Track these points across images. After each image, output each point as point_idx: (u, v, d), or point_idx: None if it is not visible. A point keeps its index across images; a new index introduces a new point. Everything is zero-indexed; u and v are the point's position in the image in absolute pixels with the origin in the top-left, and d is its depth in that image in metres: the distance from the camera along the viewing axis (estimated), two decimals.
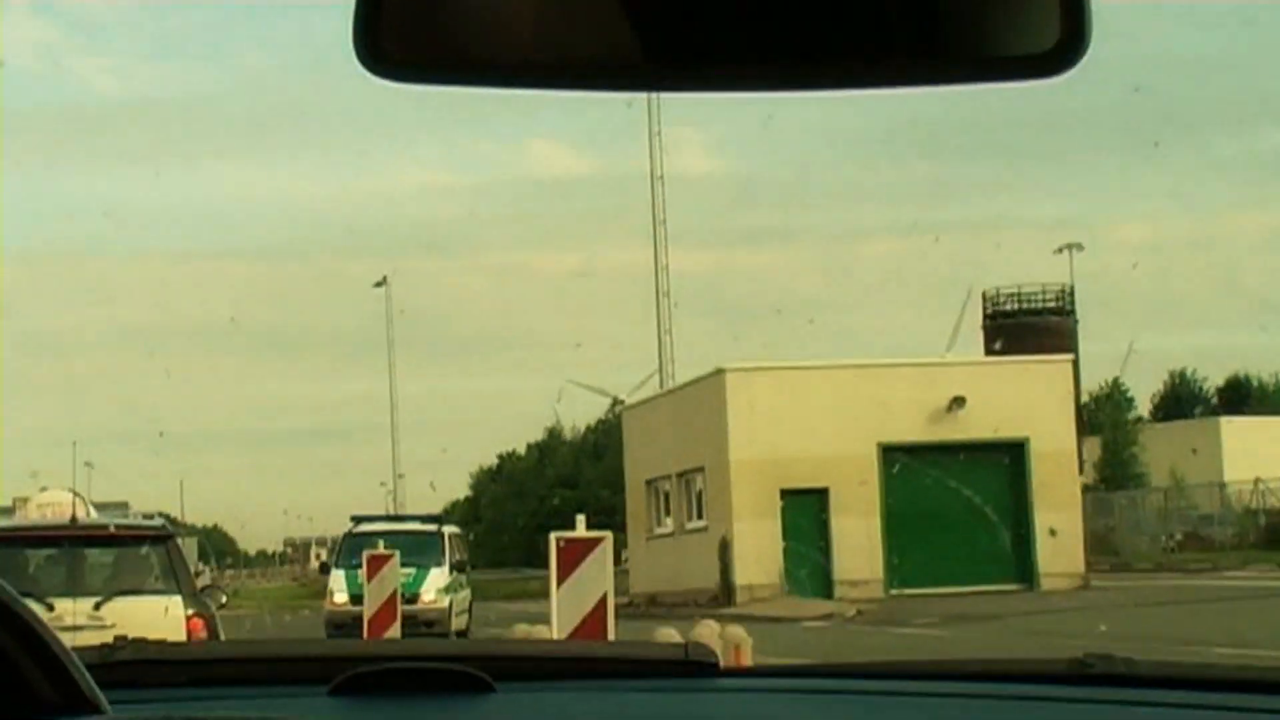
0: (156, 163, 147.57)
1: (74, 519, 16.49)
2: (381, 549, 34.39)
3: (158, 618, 15.05)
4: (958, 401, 45.85)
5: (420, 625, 33.27)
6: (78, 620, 15.10)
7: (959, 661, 3.29)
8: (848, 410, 45.48)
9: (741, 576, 45.61)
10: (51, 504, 21.13)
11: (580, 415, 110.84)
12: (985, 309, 75.98)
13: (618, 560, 64.37)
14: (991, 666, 3.06)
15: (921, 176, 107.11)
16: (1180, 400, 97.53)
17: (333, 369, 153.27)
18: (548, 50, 1.71)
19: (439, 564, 35.12)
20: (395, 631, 18.79)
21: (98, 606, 15.50)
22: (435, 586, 34.78)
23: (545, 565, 12.28)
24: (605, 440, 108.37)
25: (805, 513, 45.87)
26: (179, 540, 17.20)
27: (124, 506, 55.92)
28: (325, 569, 37.13)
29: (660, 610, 47.20)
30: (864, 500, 45.51)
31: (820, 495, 45.87)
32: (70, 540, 16.16)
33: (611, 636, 11.54)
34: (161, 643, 3.21)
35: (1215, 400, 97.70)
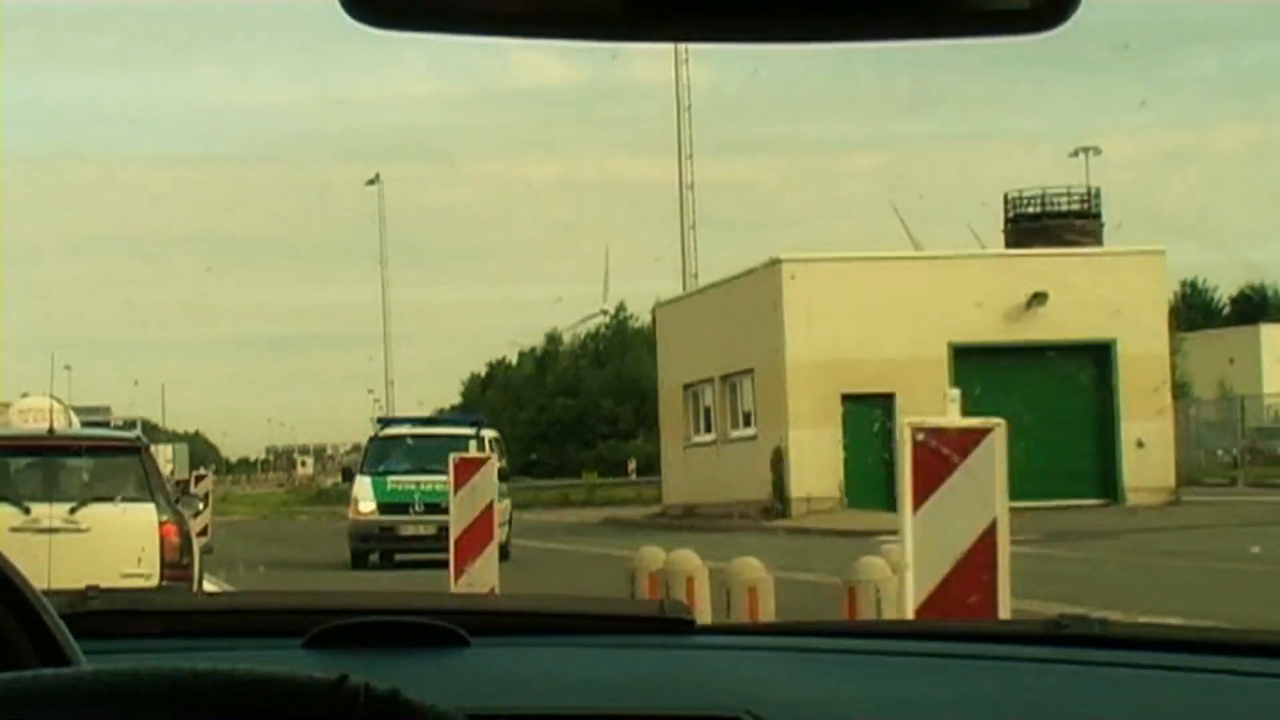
0: (135, 66, 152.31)
1: (51, 430, 16.79)
2: (407, 451, 29.93)
3: (131, 523, 15.76)
4: (1038, 298, 41.50)
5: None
6: (54, 524, 15.75)
7: (934, 621, 3.80)
8: (916, 307, 41.17)
9: (797, 488, 41.43)
10: (33, 409, 21.55)
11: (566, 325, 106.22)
12: (1007, 211, 71.73)
13: (648, 471, 60.39)
14: (969, 627, 3.24)
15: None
16: (1192, 310, 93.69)
17: (316, 276, 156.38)
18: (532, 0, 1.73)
19: None
20: (492, 556, 14.49)
21: (73, 511, 15.95)
22: None
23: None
24: (608, 348, 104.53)
25: (867, 420, 41.65)
26: (156, 449, 18.34)
27: (105, 410, 56.79)
28: (348, 475, 32.81)
29: (698, 522, 43.12)
30: (933, 407, 41.21)
31: (885, 401, 41.65)
32: (49, 450, 16.65)
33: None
34: (133, 592, 3.92)
35: (1228, 311, 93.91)
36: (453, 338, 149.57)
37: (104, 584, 5.28)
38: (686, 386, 48.13)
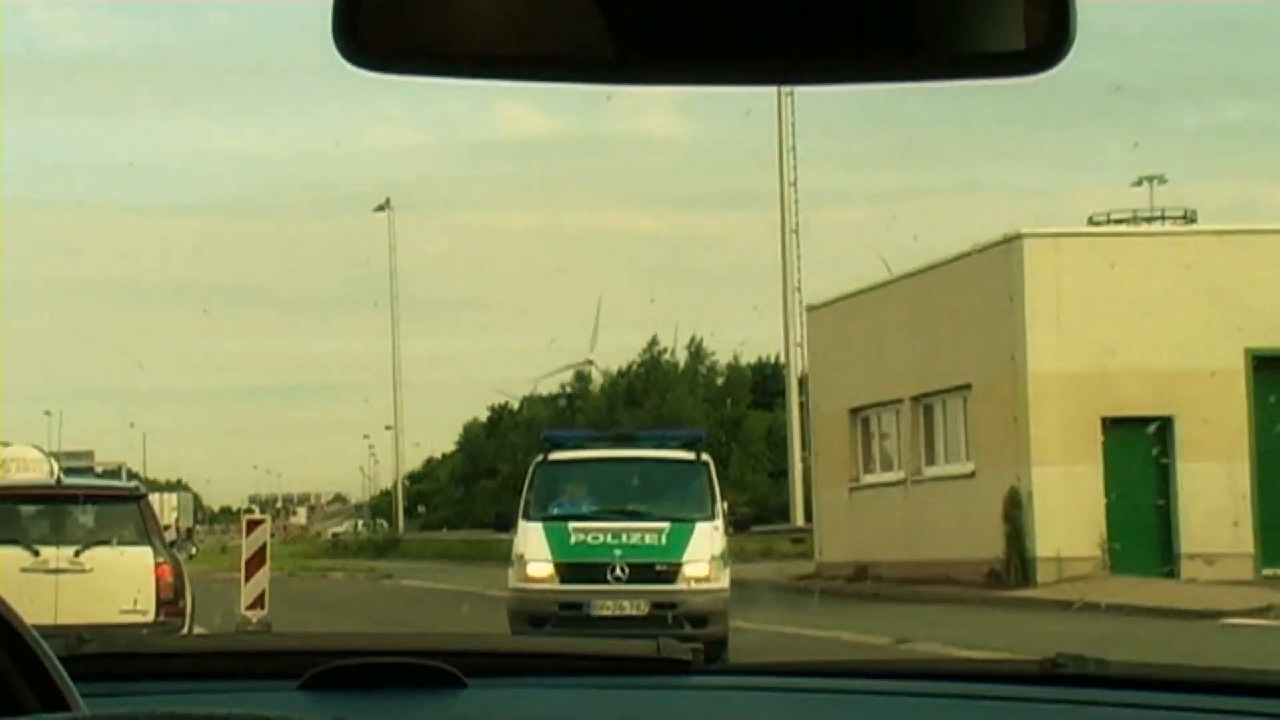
0: (120, 117, 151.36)
1: (58, 480, 20.87)
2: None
3: (130, 565, 17.21)
4: None
5: (681, 619, 18.60)
6: (60, 565, 17.29)
7: (933, 660, 3.76)
8: (1203, 299, 30.54)
9: (1044, 544, 30.62)
10: (17, 459, 24.05)
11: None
12: None
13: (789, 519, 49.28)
14: (965, 666, 3.33)
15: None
16: None
17: (299, 325, 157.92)
18: (524, 42, 1.71)
19: (707, 515, 20.03)
20: None
21: (78, 554, 17.45)
22: (706, 553, 19.72)
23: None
24: (642, 385, 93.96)
25: (1137, 452, 30.95)
26: (162, 498, 28.32)
27: (89, 456, 57.94)
28: (503, 523, 21.80)
29: (887, 589, 32.27)
30: (1227, 435, 30.58)
31: (1161, 426, 30.95)
32: (56, 498, 18.65)
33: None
34: (130, 635, 3.53)
35: None
36: (442, 386, 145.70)
37: (105, 620, 15.67)
38: (855, 411, 37.24)
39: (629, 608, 19.00)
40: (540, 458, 20.87)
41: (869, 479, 36.91)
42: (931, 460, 34.64)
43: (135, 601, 16.97)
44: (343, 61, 1.70)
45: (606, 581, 19.19)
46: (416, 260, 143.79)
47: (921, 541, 33.60)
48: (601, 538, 19.45)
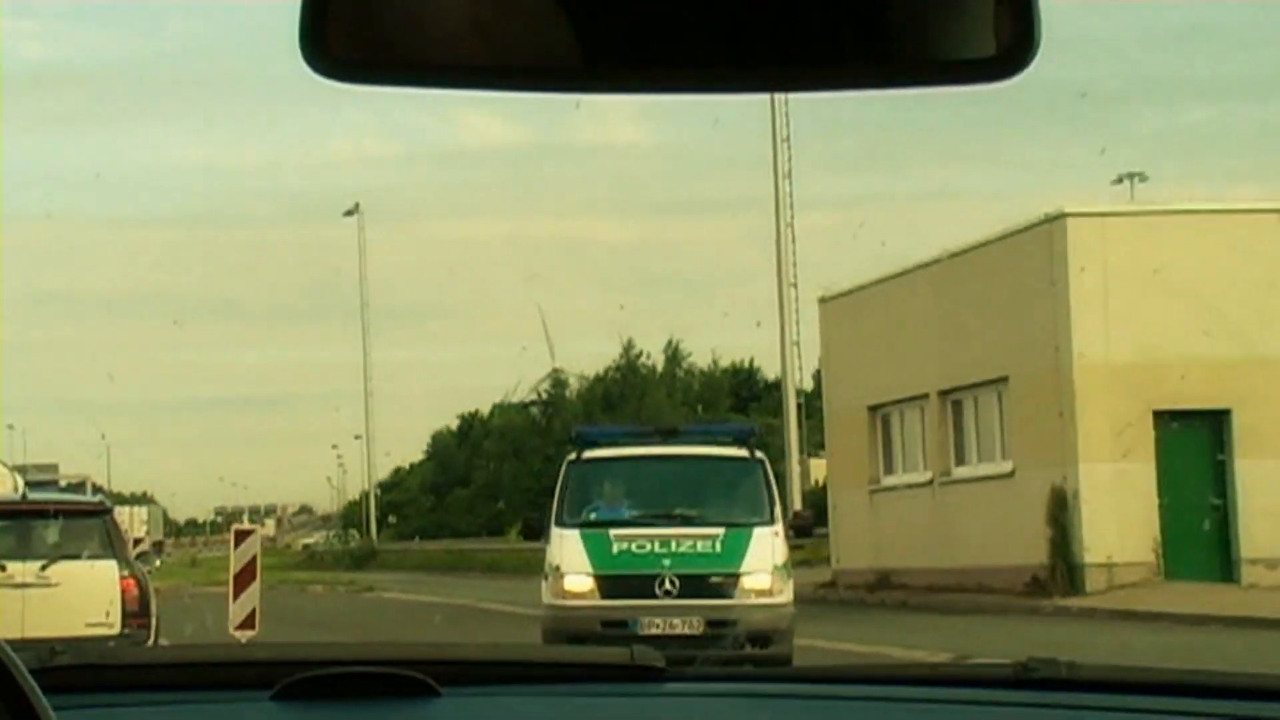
0: (85, 128, 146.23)
1: (23, 496, 20.30)
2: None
3: (96, 578, 17.35)
4: None
5: (740, 638, 16.38)
6: (27, 579, 17.46)
7: (904, 665, 3.63)
8: (1261, 283, 28.32)
9: (1093, 549, 28.31)
10: None
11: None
12: None
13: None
14: (937, 670, 3.31)
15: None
16: None
17: (267, 336, 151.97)
18: (493, 52, 1.72)
19: (766, 519, 17.64)
20: None
21: (44, 568, 17.62)
22: (767, 562, 17.32)
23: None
24: (619, 389, 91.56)
25: (1192, 448, 28.68)
26: (131, 511, 34.36)
27: (53, 469, 57.67)
28: (533, 531, 19.14)
29: (915, 598, 30.01)
30: None
31: (1216, 421, 28.71)
32: (22, 514, 18.75)
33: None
34: (101, 647, 5.41)
35: None
36: (410, 395, 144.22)
37: (72, 633, 15.85)
38: (874, 409, 34.86)
39: (681, 626, 16.62)
40: (573, 456, 18.45)
41: (890, 480, 34.54)
42: (962, 459, 32.30)
43: (104, 614, 17.18)
44: (309, 71, 1.70)
45: (655, 596, 16.82)
46: (383, 269, 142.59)
47: (951, 547, 31.29)
48: (648, 546, 17.07)
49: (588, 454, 18.27)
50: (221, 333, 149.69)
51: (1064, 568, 28.43)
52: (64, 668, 2.74)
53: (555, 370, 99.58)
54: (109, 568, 17.33)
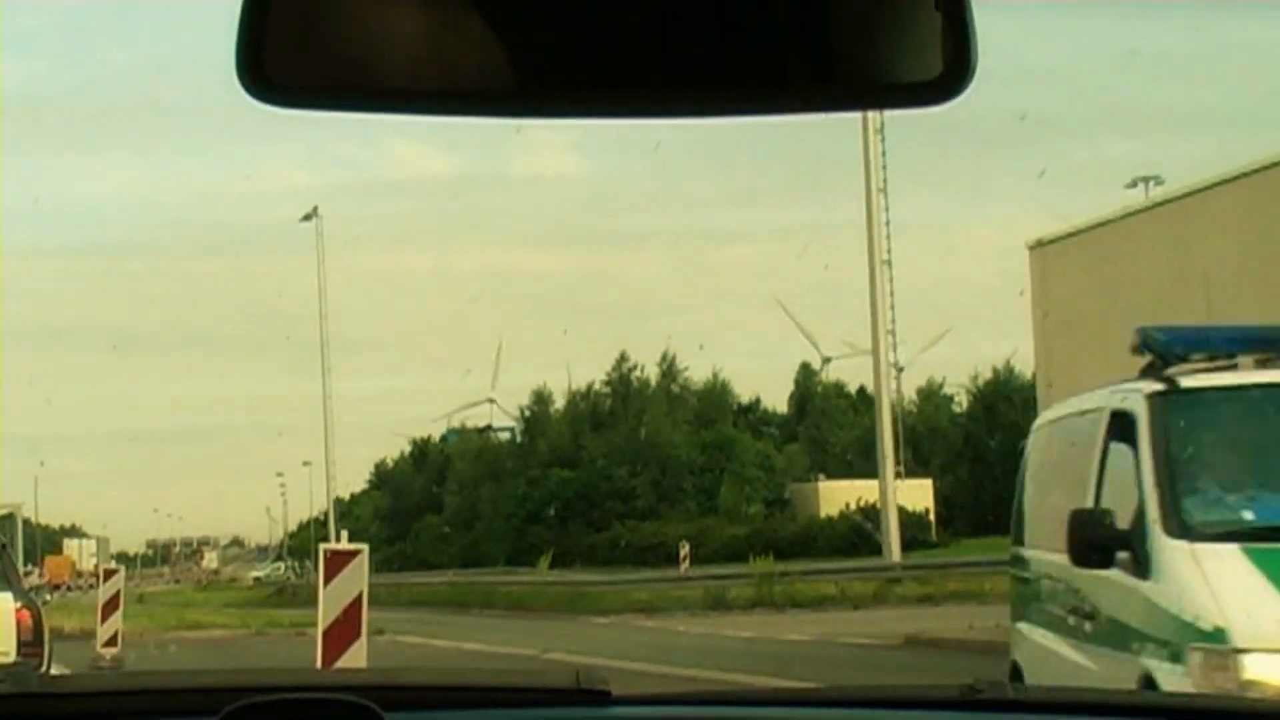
0: (15, 159, 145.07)
1: None
2: None
3: None
4: None
5: None
6: None
7: (850, 688, 3.30)
8: None
9: None
10: None
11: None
12: None
13: (705, 559, 38.00)
14: (883, 693, 3.12)
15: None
16: None
17: (192, 368, 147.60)
18: (429, 77, 1.71)
19: None
20: None
21: None
22: None
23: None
24: (609, 405, 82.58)
25: None
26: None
27: None
28: (1092, 547, 9.47)
29: None
30: None
31: None
32: None
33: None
34: (44, 675, 3.79)
35: None
36: (347, 426, 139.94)
37: None
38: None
39: None
40: (1158, 388, 9.26)
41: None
42: None
43: None
44: (245, 100, 1.69)
45: None
46: (318, 298, 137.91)
47: None
48: None
49: (1189, 383, 9.17)
50: (155, 364, 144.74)
51: None
52: (7, 696, 2.75)
53: (490, 399, 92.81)
54: (4, 599, 17.79)
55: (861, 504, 65.76)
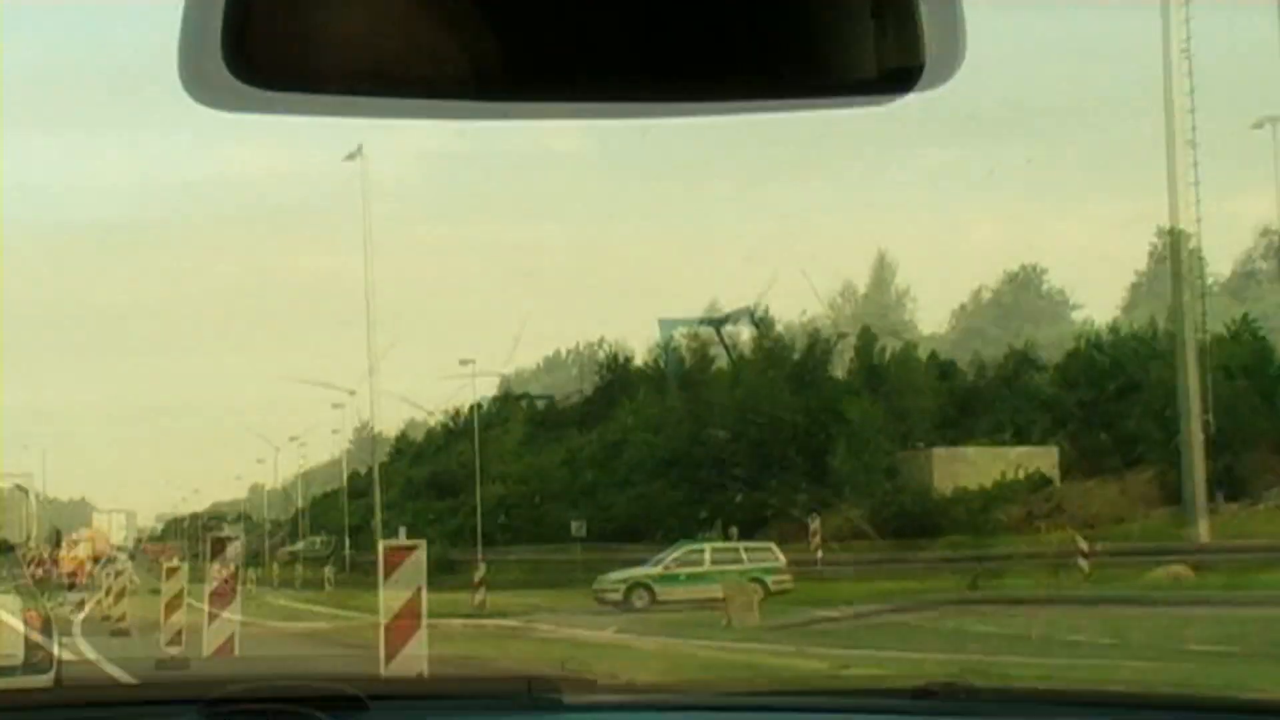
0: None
1: None
2: None
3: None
4: None
5: None
6: None
7: (805, 685, 3.59)
8: None
9: None
10: None
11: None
12: None
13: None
14: (838, 690, 3.29)
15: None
16: None
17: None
18: (386, 75, 1.69)
19: None
20: None
21: None
22: None
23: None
24: (694, 367, 71.23)
25: None
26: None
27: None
28: None
29: None
30: None
31: None
32: None
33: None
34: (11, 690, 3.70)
35: None
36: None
37: None
38: None
39: None
40: None
41: None
42: None
43: (8, 645, 17.40)
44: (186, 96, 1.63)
45: None
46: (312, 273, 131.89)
47: None
48: None
49: None
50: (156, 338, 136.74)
51: None
52: (6, 693, 2.91)
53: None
54: (11, 601, 17.93)
55: (1019, 473, 56.15)
